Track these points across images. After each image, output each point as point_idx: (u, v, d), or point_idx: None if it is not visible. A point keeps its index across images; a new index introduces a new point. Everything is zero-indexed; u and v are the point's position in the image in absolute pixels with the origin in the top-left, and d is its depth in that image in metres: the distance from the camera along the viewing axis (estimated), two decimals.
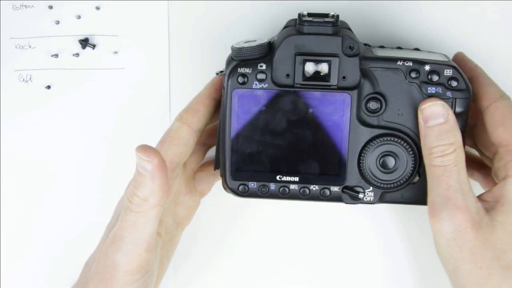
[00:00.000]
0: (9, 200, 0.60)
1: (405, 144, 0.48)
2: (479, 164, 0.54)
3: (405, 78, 0.48)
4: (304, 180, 0.50)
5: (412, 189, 0.50)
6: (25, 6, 0.59)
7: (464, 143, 0.48)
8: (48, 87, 0.59)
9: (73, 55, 0.59)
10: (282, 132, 0.49)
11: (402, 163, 0.49)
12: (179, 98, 0.58)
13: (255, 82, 0.48)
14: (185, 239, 0.57)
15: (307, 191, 0.50)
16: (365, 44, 0.52)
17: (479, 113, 0.50)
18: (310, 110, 0.48)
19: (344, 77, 0.48)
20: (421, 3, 0.56)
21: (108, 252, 0.47)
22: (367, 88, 0.48)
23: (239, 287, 0.61)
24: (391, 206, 0.51)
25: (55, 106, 0.59)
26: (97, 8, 0.58)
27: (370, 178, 0.49)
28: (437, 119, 0.47)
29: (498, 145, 0.47)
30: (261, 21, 0.57)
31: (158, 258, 0.51)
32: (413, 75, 0.48)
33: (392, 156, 0.49)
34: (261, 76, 0.48)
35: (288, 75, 0.48)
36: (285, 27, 0.49)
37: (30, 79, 0.59)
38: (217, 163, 0.51)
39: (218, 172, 0.51)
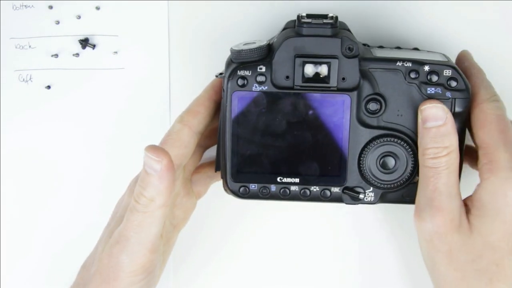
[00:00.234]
0: (9, 200, 0.60)
1: (404, 144, 0.48)
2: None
3: (405, 78, 0.48)
4: (305, 181, 0.50)
5: (412, 189, 0.50)
6: (25, 6, 0.59)
7: (464, 142, 0.48)
8: (48, 87, 0.59)
9: (73, 55, 0.59)
10: (282, 134, 0.49)
11: (402, 163, 0.49)
12: (179, 98, 0.58)
13: (254, 84, 0.48)
14: (185, 239, 0.57)
15: (308, 192, 0.50)
16: (364, 44, 0.52)
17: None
18: (310, 112, 0.48)
19: (343, 79, 0.48)
20: (420, 3, 0.56)
21: (112, 252, 0.47)
22: (366, 89, 0.48)
23: None
24: (391, 206, 0.51)
25: (55, 106, 0.59)
26: (97, 8, 0.58)
27: (370, 179, 0.49)
28: (435, 121, 0.47)
29: (478, 147, 0.47)
30: (261, 21, 0.57)
31: (161, 259, 0.51)
32: (413, 75, 0.48)
33: (392, 157, 0.49)
34: (260, 78, 0.48)
35: (287, 77, 0.48)
36: (284, 28, 0.49)
37: (30, 79, 0.59)
38: (218, 165, 0.51)
39: (215, 174, 0.51)
